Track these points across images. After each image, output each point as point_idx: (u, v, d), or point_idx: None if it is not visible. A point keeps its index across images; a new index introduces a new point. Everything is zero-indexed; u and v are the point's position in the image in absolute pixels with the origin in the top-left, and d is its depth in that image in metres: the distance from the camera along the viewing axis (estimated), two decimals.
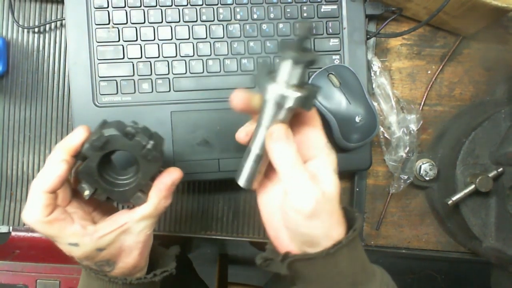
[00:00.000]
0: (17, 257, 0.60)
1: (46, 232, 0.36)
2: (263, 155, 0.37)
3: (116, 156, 0.40)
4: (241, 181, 0.38)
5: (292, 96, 0.34)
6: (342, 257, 0.36)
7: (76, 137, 0.37)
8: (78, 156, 0.38)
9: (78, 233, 0.37)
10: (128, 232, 0.39)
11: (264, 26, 0.53)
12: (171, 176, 0.39)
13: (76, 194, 0.41)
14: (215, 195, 0.59)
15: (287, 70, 0.34)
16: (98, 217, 0.42)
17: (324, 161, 0.37)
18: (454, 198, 0.51)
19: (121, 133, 0.37)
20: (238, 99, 0.36)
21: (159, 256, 0.47)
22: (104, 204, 0.43)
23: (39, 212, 0.35)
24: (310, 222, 0.35)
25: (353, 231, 0.36)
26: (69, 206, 0.39)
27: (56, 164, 0.36)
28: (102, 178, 0.39)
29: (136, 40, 0.52)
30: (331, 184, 0.36)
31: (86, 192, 0.39)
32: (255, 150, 0.37)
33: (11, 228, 0.59)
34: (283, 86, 0.34)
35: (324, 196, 0.35)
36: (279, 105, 0.34)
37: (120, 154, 0.38)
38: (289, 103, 0.34)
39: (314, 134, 0.37)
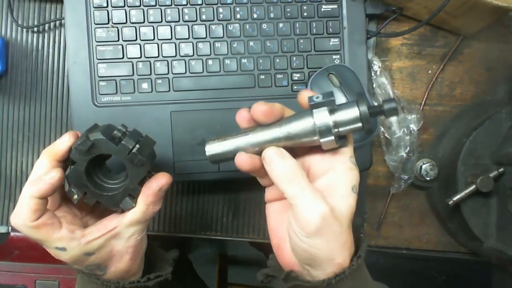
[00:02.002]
0: (16, 257, 0.60)
1: (32, 236, 0.36)
2: (254, 153, 0.36)
3: (112, 160, 0.40)
4: (210, 151, 0.37)
5: (330, 138, 0.33)
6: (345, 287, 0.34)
7: (63, 143, 0.37)
8: (68, 160, 0.38)
9: (65, 238, 0.36)
10: (118, 237, 0.38)
11: (264, 26, 0.53)
12: (158, 182, 0.38)
13: (66, 197, 0.40)
14: (215, 195, 0.59)
15: (348, 116, 0.33)
16: (91, 221, 0.42)
17: (342, 175, 0.35)
18: (455, 198, 0.51)
19: (107, 137, 0.36)
20: (260, 110, 0.34)
21: (158, 259, 0.46)
22: (98, 208, 0.42)
23: (26, 217, 0.35)
24: (312, 240, 0.33)
25: (357, 258, 0.35)
26: (58, 210, 0.39)
27: (50, 171, 0.36)
28: (91, 182, 0.39)
29: (136, 39, 0.51)
30: (343, 202, 0.34)
31: (75, 197, 0.39)
32: (250, 139, 0.36)
33: (10, 228, 0.58)
34: (331, 123, 0.33)
35: (332, 214, 0.33)
36: (313, 132, 0.34)
37: (116, 158, 0.38)
38: (324, 139, 0.34)
39: None
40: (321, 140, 0.34)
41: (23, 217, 0.35)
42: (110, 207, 0.40)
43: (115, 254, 0.39)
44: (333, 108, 0.34)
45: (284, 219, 0.38)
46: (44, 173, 0.36)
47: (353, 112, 0.33)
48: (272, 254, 0.41)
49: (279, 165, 0.34)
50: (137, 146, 0.37)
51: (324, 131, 0.33)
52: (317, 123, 0.33)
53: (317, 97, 0.34)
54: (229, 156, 0.37)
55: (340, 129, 0.34)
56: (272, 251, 0.41)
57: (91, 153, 0.37)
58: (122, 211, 0.39)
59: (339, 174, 0.35)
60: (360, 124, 0.33)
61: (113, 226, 0.38)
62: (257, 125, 0.36)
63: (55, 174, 0.36)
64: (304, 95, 0.35)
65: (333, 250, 0.34)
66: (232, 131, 0.38)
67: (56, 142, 0.38)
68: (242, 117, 0.36)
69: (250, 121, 0.36)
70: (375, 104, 0.34)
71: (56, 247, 0.37)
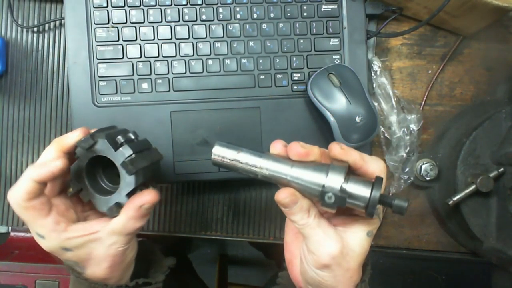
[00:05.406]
0: (16, 257, 0.60)
1: (20, 215, 0.37)
2: (256, 174, 0.36)
3: None
4: (217, 154, 0.36)
5: (330, 200, 0.33)
6: None
7: (71, 137, 0.38)
8: (75, 154, 0.38)
9: (47, 227, 0.37)
10: (99, 242, 0.38)
11: (264, 26, 0.53)
12: (141, 198, 0.37)
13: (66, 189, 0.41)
14: (215, 195, 0.59)
15: (358, 191, 0.33)
16: (93, 217, 0.42)
17: (362, 220, 0.37)
18: (455, 198, 0.51)
19: (109, 140, 0.36)
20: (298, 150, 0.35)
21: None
22: None
23: (20, 196, 0.35)
24: (321, 272, 0.35)
25: (361, 283, 0.37)
26: (55, 198, 0.39)
27: (55, 159, 0.36)
28: (91, 180, 0.39)
29: (136, 39, 0.51)
30: (356, 242, 0.36)
31: (70, 190, 0.39)
32: (264, 165, 0.35)
33: (10, 228, 0.58)
34: (339, 189, 0.33)
35: (342, 252, 0.35)
36: (318, 190, 0.34)
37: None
38: (327, 200, 0.33)
39: None
40: (321, 201, 0.33)
41: (17, 195, 0.35)
42: (98, 209, 0.40)
43: (93, 258, 0.38)
44: (349, 177, 0.34)
45: (299, 238, 0.39)
46: (48, 160, 0.37)
47: (364, 192, 0.33)
48: (282, 272, 0.43)
49: (291, 209, 0.35)
50: (133, 156, 0.37)
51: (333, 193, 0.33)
52: (326, 184, 0.33)
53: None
54: (231, 167, 0.37)
55: (350, 201, 0.34)
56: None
57: (93, 151, 0.37)
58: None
59: (359, 218, 0.37)
60: (363, 205, 0.33)
61: (96, 230, 0.38)
62: (273, 154, 0.36)
63: (58, 163, 0.36)
64: (335, 150, 0.35)
65: (339, 283, 0.36)
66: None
67: (66, 134, 0.38)
68: (275, 149, 0.36)
69: (281, 153, 0.36)
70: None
71: (37, 233, 0.37)
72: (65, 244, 0.37)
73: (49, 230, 0.37)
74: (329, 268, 0.35)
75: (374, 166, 0.35)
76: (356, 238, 0.36)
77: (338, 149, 0.34)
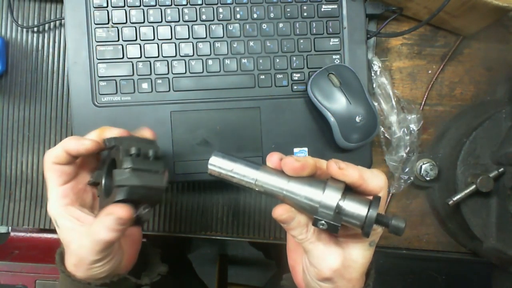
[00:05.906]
0: (16, 257, 0.60)
1: (44, 171, 0.39)
2: (252, 187, 0.35)
3: None
4: (213, 165, 0.35)
5: (324, 220, 0.32)
6: None
7: (112, 131, 0.40)
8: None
9: (55, 194, 0.39)
10: (79, 235, 0.37)
11: (264, 26, 0.53)
12: (110, 208, 0.36)
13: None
14: (215, 195, 0.59)
15: (354, 210, 0.32)
16: None
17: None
18: (455, 198, 0.51)
19: (124, 147, 0.37)
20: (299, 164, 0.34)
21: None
22: None
23: (49, 156, 0.39)
24: (323, 283, 0.36)
25: (365, 287, 0.37)
26: (83, 175, 0.41)
27: (87, 139, 0.38)
28: (108, 177, 0.40)
29: (136, 39, 0.51)
30: (359, 254, 0.35)
31: (89, 179, 0.41)
32: (257, 176, 0.35)
33: (10, 228, 0.58)
34: (334, 207, 0.32)
35: (343, 264, 0.34)
36: (315, 207, 0.33)
37: None
38: (321, 222, 0.32)
39: None
40: (315, 216, 0.33)
41: (48, 155, 0.39)
42: (100, 205, 0.41)
43: (69, 246, 0.38)
44: (345, 195, 0.33)
45: (300, 246, 0.39)
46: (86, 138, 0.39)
47: (361, 210, 0.32)
48: (286, 274, 0.44)
49: (289, 224, 0.35)
50: (128, 170, 0.36)
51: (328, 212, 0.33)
52: (322, 201, 0.33)
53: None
54: (227, 179, 0.36)
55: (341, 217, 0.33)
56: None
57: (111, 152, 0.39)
58: None
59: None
60: (360, 224, 0.32)
61: (86, 222, 0.38)
62: (270, 168, 0.35)
63: (86, 143, 0.38)
64: (332, 169, 0.34)
65: None
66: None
67: (111, 128, 0.40)
68: (271, 162, 0.35)
69: (278, 166, 0.35)
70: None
71: (50, 195, 0.39)
72: (57, 219, 0.38)
73: (54, 198, 0.38)
74: (331, 281, 0.35)
75: (374, 183, 0.34)
76: (359, 249, 0.35)
77: (335, 169, 0.33)
